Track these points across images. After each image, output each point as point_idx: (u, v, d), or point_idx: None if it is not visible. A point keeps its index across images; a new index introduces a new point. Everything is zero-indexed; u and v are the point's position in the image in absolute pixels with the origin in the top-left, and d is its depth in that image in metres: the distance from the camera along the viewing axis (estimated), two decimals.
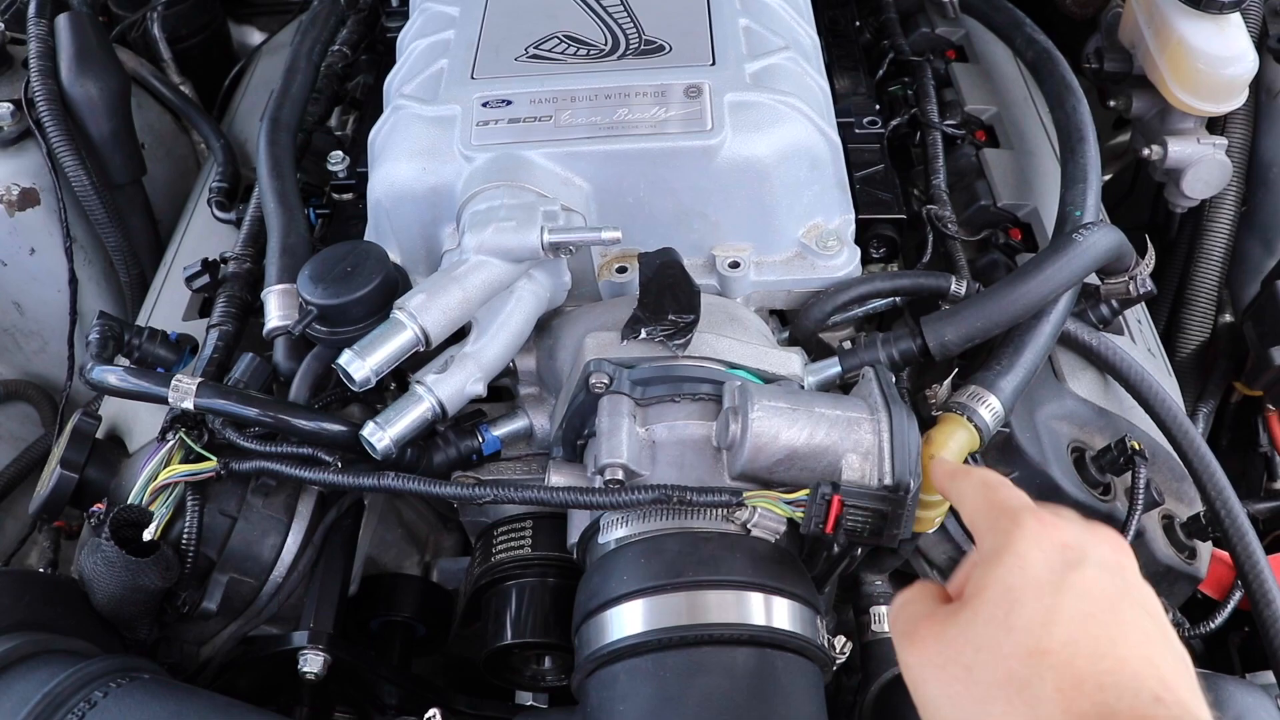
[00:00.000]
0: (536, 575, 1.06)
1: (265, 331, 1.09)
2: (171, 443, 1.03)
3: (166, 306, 1.31)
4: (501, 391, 1.14)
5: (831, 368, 1.01)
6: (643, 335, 0.92)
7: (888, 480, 0.83)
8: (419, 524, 1.27)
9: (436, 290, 0.93)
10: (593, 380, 0.91)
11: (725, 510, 0.85)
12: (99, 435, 1.13)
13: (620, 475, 0.87)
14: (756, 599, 0.82)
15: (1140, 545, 1.07)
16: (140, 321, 1.33)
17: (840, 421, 0.85)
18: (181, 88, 1.68)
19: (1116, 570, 0.63)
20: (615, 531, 0.88)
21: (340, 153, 1.28)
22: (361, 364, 0.90)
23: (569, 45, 1.10)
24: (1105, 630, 0.59)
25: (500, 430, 1.06)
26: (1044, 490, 1.03)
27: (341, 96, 1.47)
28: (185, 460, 1.01)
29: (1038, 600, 0.60)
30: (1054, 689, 0.57)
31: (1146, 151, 1.43)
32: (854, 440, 0.85)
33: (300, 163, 1.33)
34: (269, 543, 1.05)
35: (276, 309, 1.09)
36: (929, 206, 1.23)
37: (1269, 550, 1.36)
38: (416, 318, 0.92)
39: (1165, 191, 1.51)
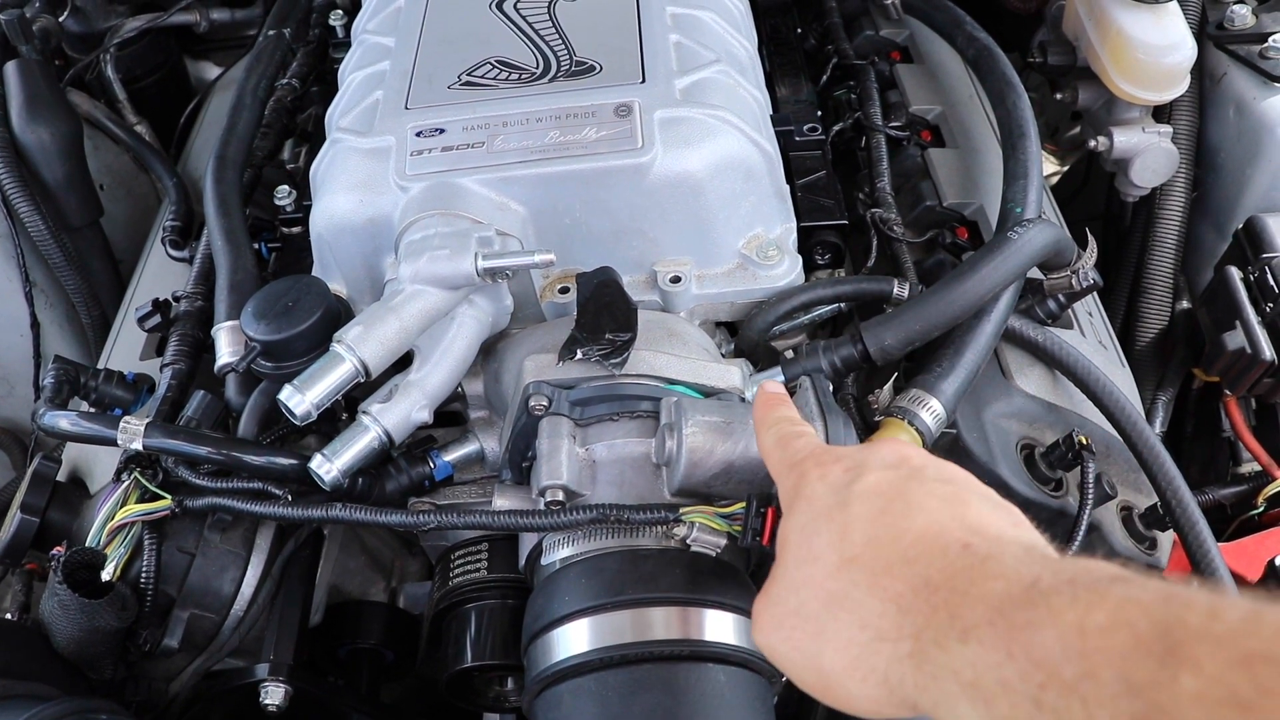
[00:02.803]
0: (495, 597, 1.06)
1: (216, 368, 1.10)
2: (127, 483, 1.03)
3: (126, 346, 1.32)
4: (453, 416, 1.15)
5: (774, 377, 1.02)
6: (579, 355, 0.93)
7: None
8: (383, 550, 1.28)
9: (373, 321, 0.94)
10: (532, 403, 0.92)
11: (665, 527, 0.86)
12: (60, 478, 1.14)
13: (560, 496, 0.88)
14: (696, 614, 0.83)
15: (1098, 538, 1.08)
16: (102, 362, 1.34)
17: None
18: (137, 127, 1.69)
19: (899, 463, 0.65)
20: (559, 552, 0.89)
21: (287, 187, 1.28)
22: (301, 398, 0.91)
23: (501, 70, 1.11)
24: (898, 515, 0.60)
25: (451, 455, 1.07)
26: (994, 489, 1.03)
27: (292, 129, 1.48)
28: (141, 500, 1.02)
29: (829, 521, 0.62)
30: (868, 587, 0.58)
31: (1093, 143, 1.44)
32: None
33: (251, 197, 1.34)
34: (228, 577, 1.06)
35: (226, 345, 1.09)
36: (874, 210, 1.23)
37: (1236, 535, 1.37)
38: (355, 350, 0.92)
39: (1116, 181, 1.52)
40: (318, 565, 1.14)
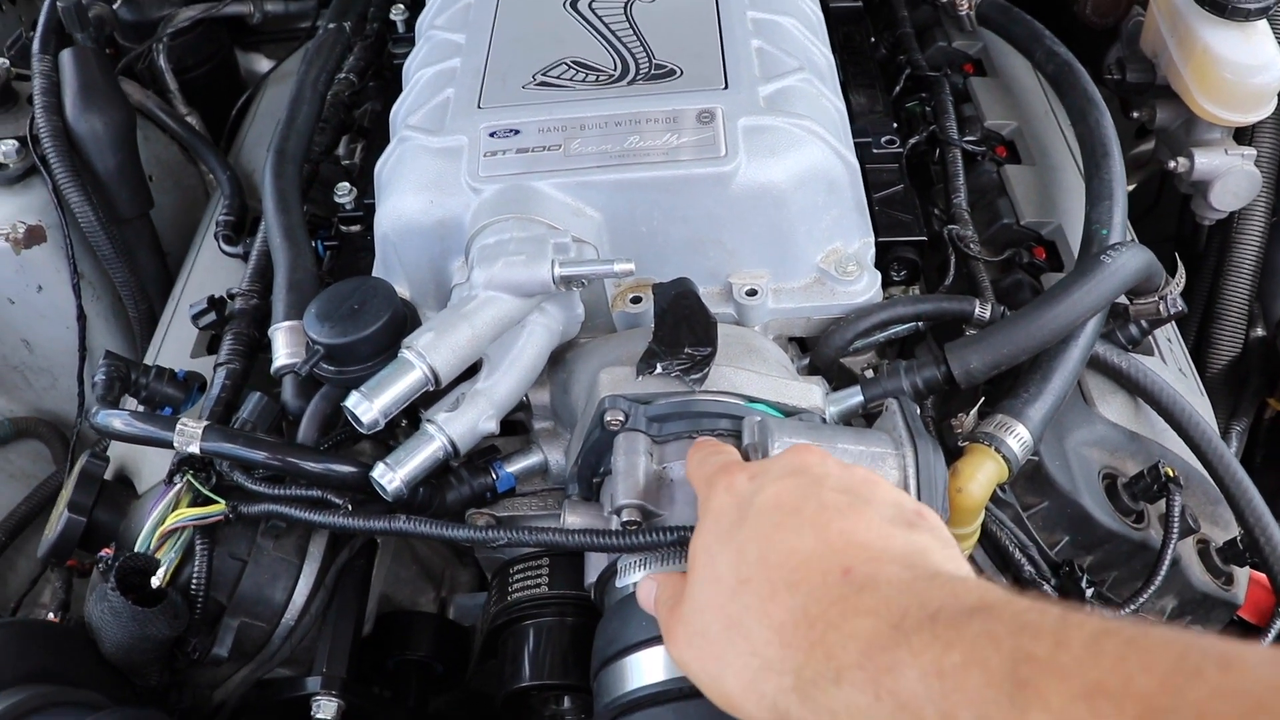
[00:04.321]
0: (554, 615, 1.03)
1: (273, 369, 1.07)
2: (179, 486, 1.00)
3: (175, 343, 1.29)
4: (516, 426, 1.12)
5: (853, 397, 0.98)
6: (659, 370, 0.90)
7: None
8: (434, 560, 1.25)
9: (445, 328, 0.91)
10: (608, 417, 0.88)
11: None
12: (107, 476, 1.12)
13: (636, 516, 0.84)
14: None
15: (1175, 573, 1.04)
16: (149, 358, 1.32)
17: (864, 457, 0.82)
18: (188, 118, 1.67)
19: (800, 470, 0.65)
20: (633, 575, 0.85)
21: (347, 184, 1.25)
22: (369, 406, 0.87)
23: (577, 72, 1.08)
24: (790, 531, 0.60)
25: (514, 466, 1.04)
26: (1075, 520, 1.00)
27: (349, 125, 1.45)
28: (193, 503, 1.00)
29: (730, 540, 0.63)
30: (758, 614, 0.58)
31: (1173, 164, 1.40)
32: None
33: (308, 194, 1.31)
34: (280, 586, 1.03)
35: (284, 346, 1.07)
36: (950, 226, 1.20)
37: None
38: (425, 357, 0.89)
39: (1193, 204, 1.47)
40: (371, 575, 1.11)
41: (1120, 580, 1.04)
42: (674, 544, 0.82)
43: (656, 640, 0.79)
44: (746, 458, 0.82)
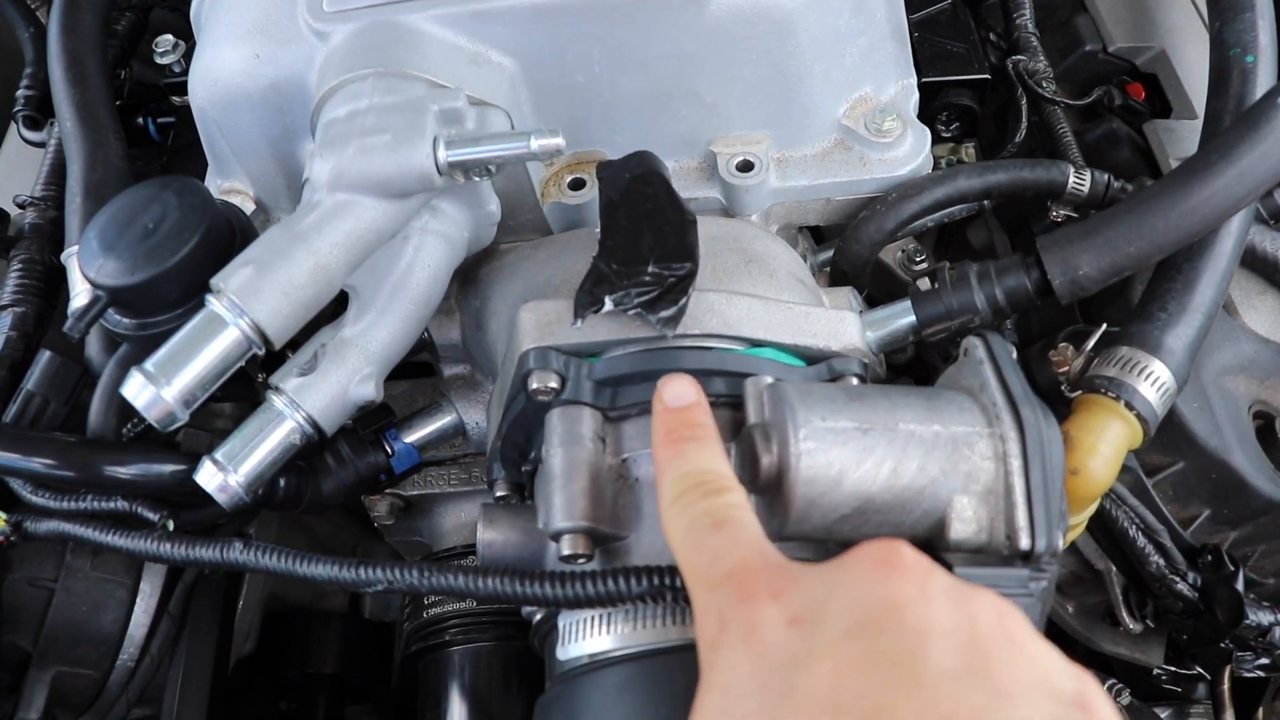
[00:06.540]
0: (489, 637, 0.77)
1: (69, 313, 0.75)
2: None
3: None
4: (424, 367, 0.81)
5: (901, 318, 0.68)
6: (608, 304, 0.58)
7: (1023, 538, 0.50)
8: (339, 538, 0.98)
9: (271, 257, 0.58)
10: (534, 384, 0.57)
11: None
12: None
13: (583, 548, 0.54)
14: None
15: None
16: None
17: (941, 443, 0.51)
18: None
19: (879, 619, 0.39)
20: (586, 641, 0.55)
21: (170, 37, 0.91)
22: (155, 393, 0.56)
23: None
24: None
25: (417, 434, 0.77)
26: (1222, 487, 0.71)
27: None
28: None
29: None
30: None
31: None
32: (965, 472, 0.51)
33: (132, 51, 0.97)
34: (108, 616, 0.79)
35: (83, 280, 0.74)
36: (1014, 58, 0.89)
37: None
38: (242, 306, 0.57)
39: None
40: (240, 587, 0.82)
41: (1269, 553, 0.75)
42: (647, 596, 0.51)
43: None
44: (754, 446, 0.51)
